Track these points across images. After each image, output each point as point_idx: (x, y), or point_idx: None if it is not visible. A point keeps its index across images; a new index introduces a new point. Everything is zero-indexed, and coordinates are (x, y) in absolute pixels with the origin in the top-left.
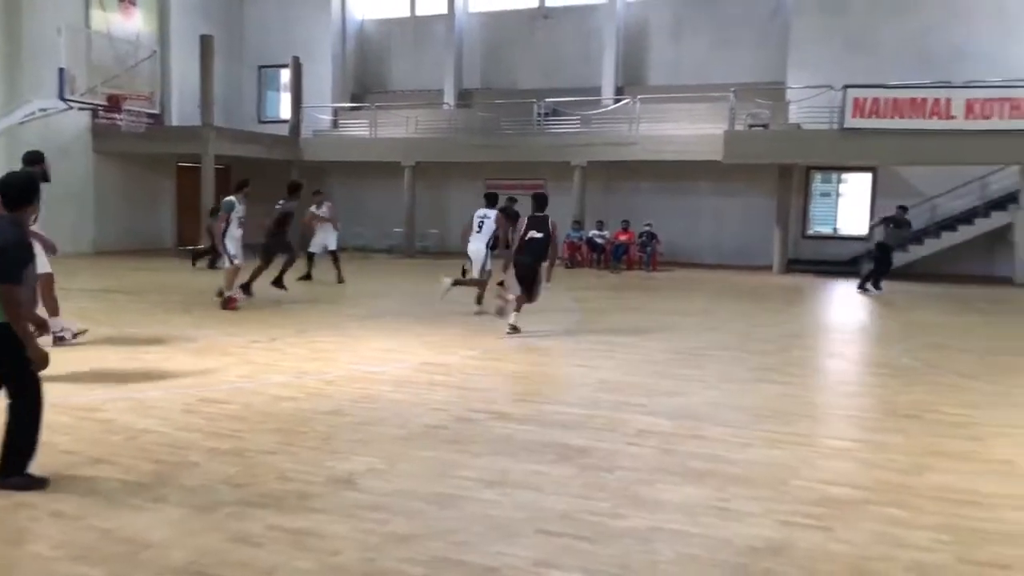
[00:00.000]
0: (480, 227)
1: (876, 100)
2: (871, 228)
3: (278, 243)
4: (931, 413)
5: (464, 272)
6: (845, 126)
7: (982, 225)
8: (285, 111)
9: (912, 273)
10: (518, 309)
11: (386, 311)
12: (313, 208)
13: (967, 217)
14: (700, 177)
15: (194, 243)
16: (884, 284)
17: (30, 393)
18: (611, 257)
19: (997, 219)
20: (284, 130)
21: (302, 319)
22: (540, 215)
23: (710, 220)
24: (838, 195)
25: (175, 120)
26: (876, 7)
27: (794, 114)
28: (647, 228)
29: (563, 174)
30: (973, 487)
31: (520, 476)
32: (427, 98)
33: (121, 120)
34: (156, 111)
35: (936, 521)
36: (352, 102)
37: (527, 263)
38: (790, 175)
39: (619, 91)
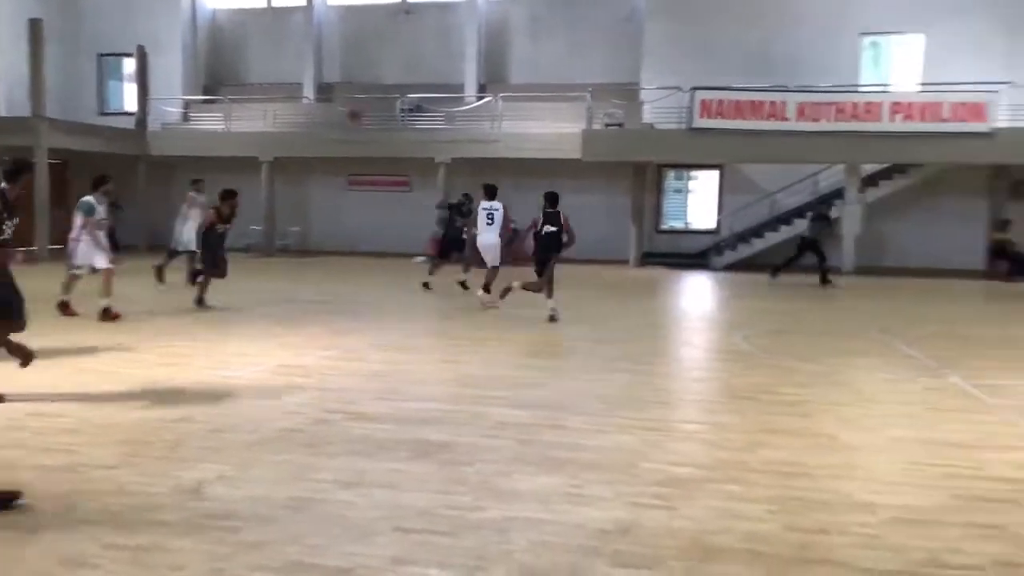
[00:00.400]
0: (491, 219)
1: (721, 102)
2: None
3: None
4: (766, 394)
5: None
6: (693, 126)
7: None
8: (131, 103)
9: (754, 264)
10: (549, 295)
11: (244, 313)
12: (193, 194)
13: (801, 212)
14: (561, 174)
15: (27, 243)
16: (782, 275)
17: None
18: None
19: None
20: (129, 123)
21: (154, 323)
22: (552, 211)
23: (572, 216)
24: (688, 191)
25: (3, 110)
26: (721, 15)
27: (647, 114)
28: (514, 226)
29: (428, 170)
30: (801, 460)
31: (377, 475)
32: (285, 91)
33: None
34: None
35: (768, 494)
36: (205, 94)
37: (543, 257)
38: (644, 172)
39: (481, 88)
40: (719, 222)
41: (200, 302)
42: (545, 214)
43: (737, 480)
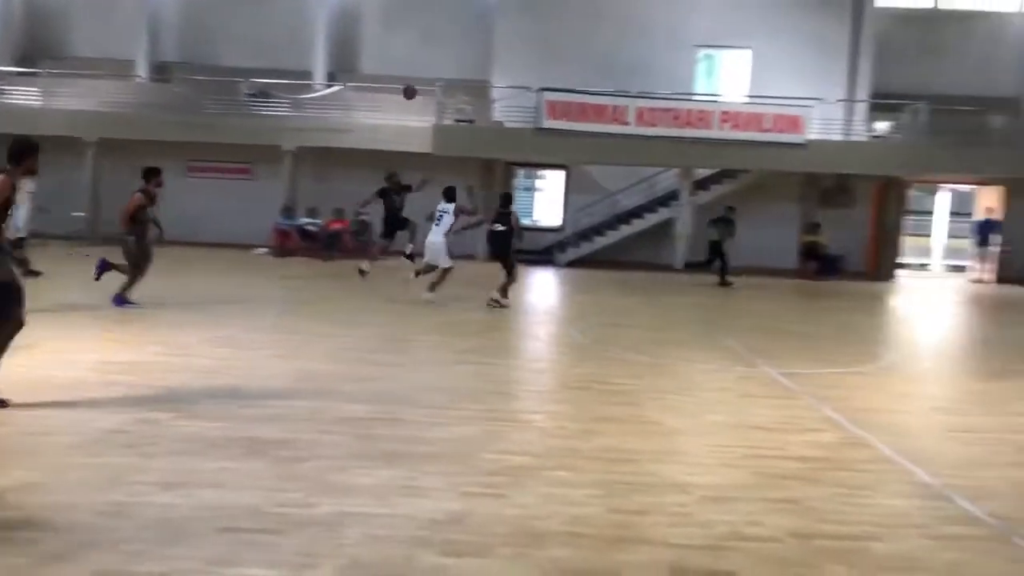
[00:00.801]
0: (438, 221)
1: (568, 104)
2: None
3: None
4: (599, 384)
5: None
6: (541, 126)
7: (650, 219)
8: None
9: (595, 261)
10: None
11: (65, 306)
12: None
13: (639, 212)
14: (412, 168)
15: None
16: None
17: None
18: (323, 246)
19: (662, 214)
20: None
21: None
22: (504, 211)
23: (423, 211)
24: (536, 190)
25: None
26: (568, 19)
27: (498, 112)
28: (361, 217)
29: (273, 158)
30: (627, 446)
31: (205, 475)
32: (115, 68)
33: None
34: None
35: (594, 478)
36: (20, 66)
37: (494, 251)
38: (494, 170)
39: (330, 77)
40: (564, 220)
41: (122, 300)
42: (498, 214)
43: (567, 467)
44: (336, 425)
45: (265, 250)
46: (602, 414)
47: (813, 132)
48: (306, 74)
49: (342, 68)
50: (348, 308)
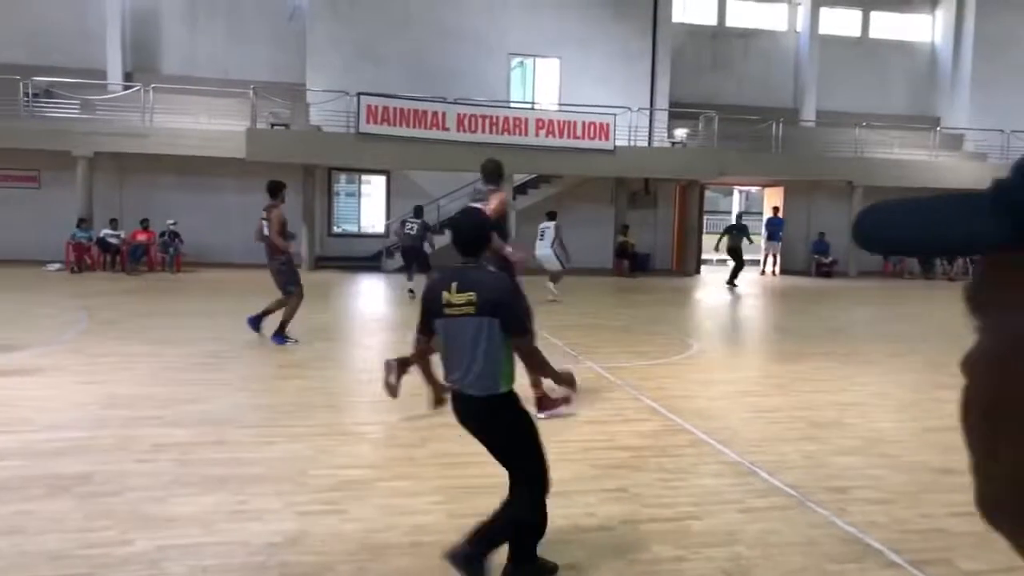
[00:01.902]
0: (542, 235)
1: (387, 109)
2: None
3: None
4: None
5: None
6: (360, 131)
7: None
8: None
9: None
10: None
11: None
12: None
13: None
14: (225, 174)
15: None
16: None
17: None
18: (128, 259)
19: None
20: None
21: None
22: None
23: (238, 218)
24: (360, 195)
25: None
26: (381, 22)
27: (315, 116)
28: (170, 226)
29: (63, 165)
30: (465, 450)
31: None
32: None
33: None
34: None
35: (434, 485)
36: None
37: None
38: (313, 175)
39: (128, 77)
40: (387, 226)
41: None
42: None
43: (405, 476)
44: (152, 453)
45: (59, 265)
46: (435, 420)
47: (620, 139)
48: (99, 73)
49: (141, 68)
50: (161, 325)
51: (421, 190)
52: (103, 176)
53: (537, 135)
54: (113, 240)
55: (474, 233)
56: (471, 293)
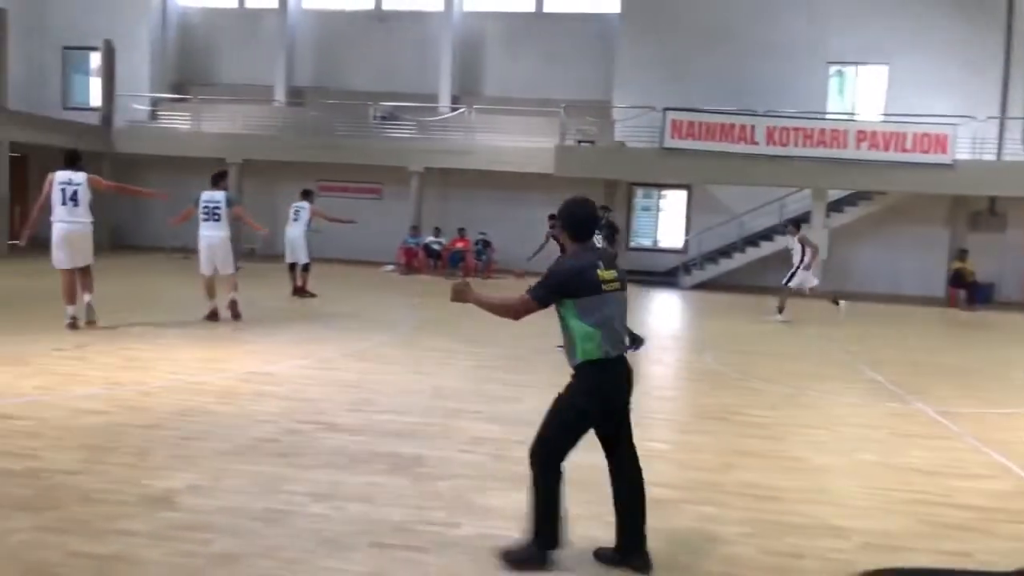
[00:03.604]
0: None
1: (692, 123)
2: None
3: None
4: (736, 415)
5: None
6: (664, 146)
7: (781, 242)
8: (95, 98)
9: (721, 284)
10: None
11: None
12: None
13: (768, 234)
14: (533, 188)
15: None
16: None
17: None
18: (447, 264)
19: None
20: (94, 118)
21: (117, 326)
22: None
23: (542, 230)
24: (658, 210)
25: None
26: (692, 37)
27: (619, 132)
28: (482, 236)
29: (400, 179)
30: (772, 483)
31: (352, 488)
32: (256, 94)
33: None
34: None
35: (742, 516)
36: (174, 93)
37: None
38: (615, 190)
39: (455, 100)
40: (687, 241)
41: None
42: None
43: (711, 502)
44: (472, 444)
45: (392, 267)
46: (741, 447)
47: (961, 151)
48: (432, 97)
49: (466, 91)
50: (474, 326)
51: (722, 205)
52: (431, 189)
53: (858, 148)
54: (436, 247)
55: (592, 218)
56: (613, 271)
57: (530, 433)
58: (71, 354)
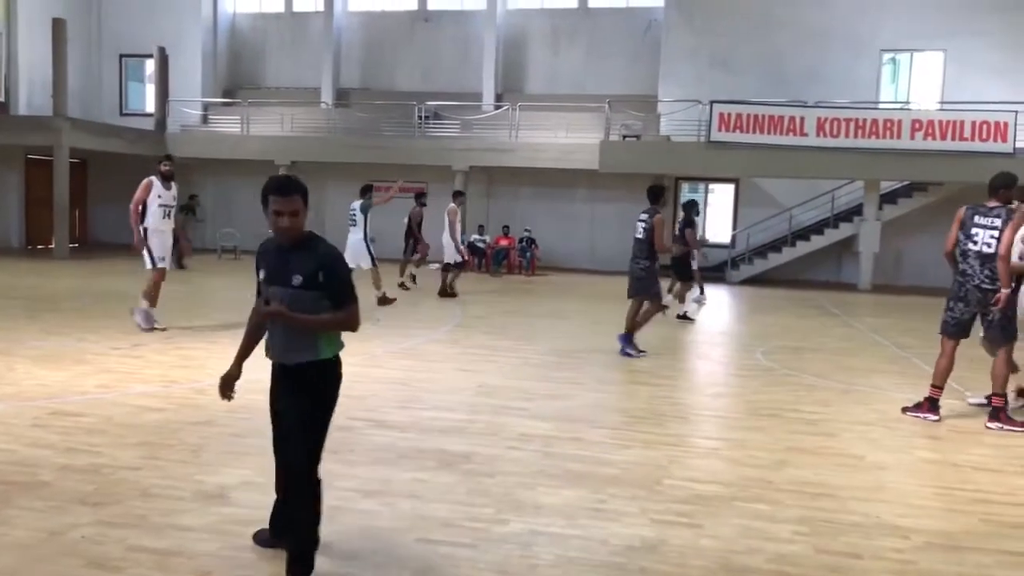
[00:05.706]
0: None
1: (739, 116)
2: None
3: None
4: (788, 412)
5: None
6: (711, 139)
7: (831, 235)
8: (150, 104)
9: (770, 279)
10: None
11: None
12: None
13: (818, 228)
14: (577, 184)
15: (46, 242)
16: None
17: None
18: (492, 261)
19: (844, 230)
20: (149, 124)
21: (172, 326)
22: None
23: (586, 226)
24: (705, 204)
25: (23, 109)
26: (738, 28)
27: (664, 126)
28: (527, 234)
29: (445, 178)
30: (827, 481)
31: (401, 485)
32: (303, 96)
33: None
34: None
35: (795, 514)
36: (224, 97)
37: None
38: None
39: (498, 98)
40: (734, 236)
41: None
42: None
43: (763, 499)
44: (519, 441)
45: (437, 265)
46: (794, 444)
47: (1022, 140)
48: (476, 96)
49: (510, 89)
50: (519, 323)
51: (771, 199)
52: (475, 187)
53: (912, 138)
54: (480, 244)
55: None
56: None
57: (578, 431)
58: (127, 353)
